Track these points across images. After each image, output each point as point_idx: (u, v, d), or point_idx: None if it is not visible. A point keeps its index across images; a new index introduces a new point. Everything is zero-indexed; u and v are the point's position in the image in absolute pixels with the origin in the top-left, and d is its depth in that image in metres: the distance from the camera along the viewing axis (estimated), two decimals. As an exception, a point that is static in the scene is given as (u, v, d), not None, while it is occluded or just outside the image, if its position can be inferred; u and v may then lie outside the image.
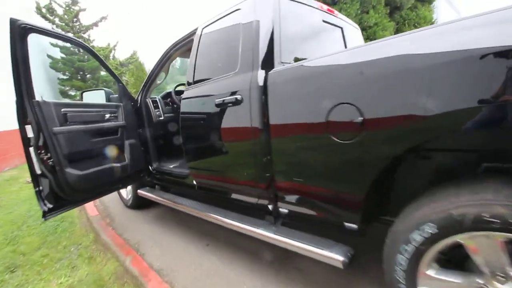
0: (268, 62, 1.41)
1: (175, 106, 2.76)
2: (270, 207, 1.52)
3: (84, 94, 2.47)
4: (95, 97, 2.45)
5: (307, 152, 1.22)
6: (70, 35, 11.45)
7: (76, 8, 11.58)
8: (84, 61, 11.45)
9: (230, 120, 1.56)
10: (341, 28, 2.07)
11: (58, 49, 11.13)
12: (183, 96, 1.94)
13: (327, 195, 1.22)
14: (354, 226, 1.21)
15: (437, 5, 9.74)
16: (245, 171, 1.55)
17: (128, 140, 2.36)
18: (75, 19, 11.54)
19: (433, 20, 8.56)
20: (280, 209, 1.48)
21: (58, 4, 11.31)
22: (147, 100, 2.63)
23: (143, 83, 2.60)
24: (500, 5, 0.76)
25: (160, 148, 2.77)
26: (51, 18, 11.01)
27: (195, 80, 1.88)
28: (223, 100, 1.56)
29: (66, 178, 1.83)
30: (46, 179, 1.80)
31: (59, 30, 11.22)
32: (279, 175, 1.38)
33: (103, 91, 2.43)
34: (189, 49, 2.32)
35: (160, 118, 2.65)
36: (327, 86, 1.08)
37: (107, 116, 2.21)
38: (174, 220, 2.63)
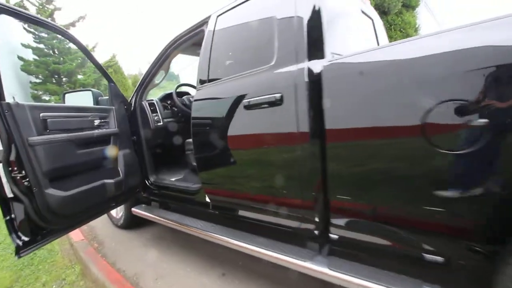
0: (316, 52, 1.12)
1: (175, 109, 2.40)
2: (316, 232, 1.22)
3: (67, 95, 2.06)
4: (80, 99, 2.05)
5: (386, 163, 0.94)
6: (44, 34, 10.65)
7: (51, 7, 10.80)
8: (59, 63, 10.66)
9: (264, 124, 1.25)
10: (372, 19, 1.83)
11: (30, 50, 10.30)
12: (195, 97, 1.60)
13: (418, 221, 0.93)
14: (439, 258, 0.94)
15: (419, 11, 10.06)
16: (284, 187, 1.24)
17: (122, 150, 1.98)
18: (49, 19, 10.74)
19: (416, 26, 8.75)
20: (332, 235, 1.18)
21: (31, 2, 10.50)
22: (143, 103, 2.26)
23: (138, 84, 2.22)
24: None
25: (158, 159, 2.39)
26: (22, 17, 10.17)
27: (210, 77, 1.55)
28: (255, 101, 1.25)
29: (47, 202, 1.43)
30: (20, 204, 1.39)
31: (31, 30, 10.39)
32: (336, 193, 1.09)
33: (90, 92, 2.04)
34: (195, 44, 2.00)
35: (159, 124, 2.28)
36: (430, 78, 0.80)
37: (97, 122, 1.82)
38: (177, 242, 2.25)
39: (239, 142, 1.38)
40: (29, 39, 10.32)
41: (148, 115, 2.23)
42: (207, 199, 1.73)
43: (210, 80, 1.55)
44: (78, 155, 1.61)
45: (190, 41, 1.90)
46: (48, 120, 1.49)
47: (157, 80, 2.23)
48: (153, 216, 2.11)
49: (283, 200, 1.28)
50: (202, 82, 1.60)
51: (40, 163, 1.40)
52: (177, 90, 2.48)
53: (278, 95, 1.16)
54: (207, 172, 1.63)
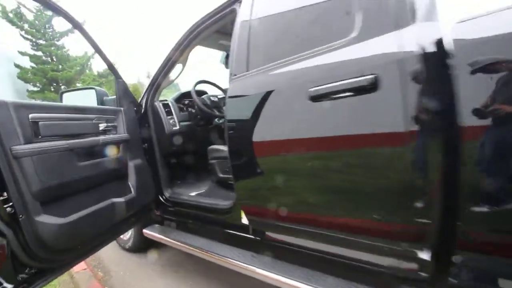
0: (428, 12, 0.76)
1: (192, 111, 2.04)
2: (424, 274, 0.85)
3: (65, 95, 1.71)
4: (82, 100, 1.70)
5: None
6: (42, 42, 10.38)
7: (49, 13, 10.54)
8: (58, 70, 10.35)
9: (343, 120, 0.89)
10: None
11: (27, 57, 10.00)
12: (230, 92, 1.24)
13: None
14: None
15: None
16: (379, 208, 0.87)
17: (133, 160, 1.61)
18: (47, 25, 10.48)
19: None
20: (452, 280, 0.80)
21: (28, 9, 10.25)
22: (155, 103, 1.90)
23: (149, 82, 1.87)
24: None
25: (174, 170, 2.02)
26: (19, 23, 9.89)
27: (251, 65, 1.20)
28: (327, 89, 0.89)
29: (38, 233, 1.05)
30: (1, 238, 1.01)
31: (28, 37, 10.11)
32: (472, 218, 0.72)
33: (93, 91, 1.68)
34: (218, 32, 1.66)
35: (174, 128, 1.92)
36: None
37: (102, 126, 1.46)
38: (200, 271, 1.86)
39: (300, 145, 1.01)
40: (26, 46, 10.04)
41: (162, 118, 1.87)
42: (245, 221, 1.35)
43: (251, 69, 1.20)
44: (80, 168, 1.24)
45: (215, 26, 1.55)
46: (41, 123, 1.12)
47: (172, 76, 1.87)
48: (170, 240, 1.73)
49: (370, 226, 0.91)
50: (235, 74, 1.24)
51: (28, 180, 1.03)
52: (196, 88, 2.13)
53: (370, 78, 0.81)
54: (249, 186, 1.27)
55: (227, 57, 2.27)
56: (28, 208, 1.02)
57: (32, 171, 1.04)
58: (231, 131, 1.23)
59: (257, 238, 1.34)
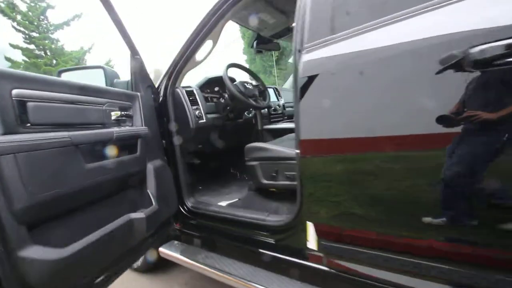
0: None
1: (221, 101, 1.66)
2: None
3: (64, 75, 1.32)
4: (87, 81, 1.31)
5: None
6: (35, 34, 9.86)
7: (43, 4, 10.03)
8: (52, 65, 9.85)
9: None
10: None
11: (19, 51, 9.48)
12: (304, 69, 0.87)
13: None
14: None
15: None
16: None
17: (153, 162, 1.24)
18: (41, 17, 9.97)
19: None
20: None
21: (22, 0, 9.72)
22: (177, 90, 1.52)
23: (170, 63, 1.49)
24: None
25: (198, 172, 1.65)
26: (11, 14, 9.37)
27: (340, 25, 0.83)
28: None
29: (23, 276, 0.67)
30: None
31: (21, 29, 9.59)
32: None
33: (101, 71, 1.31)
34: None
35: (201, 121, 1.54)
36: None
37: (114, 115, 1.08)
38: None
39: (438, 140, 0.65)
40: (18, 39, 9.52)
41: (187, 109, 1.49)
42: (312, 245, 0.99)
43: (339, 30, 0.83)
44: (88, 173, 0.86)
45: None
46: (30, 104, 0.74)
47: (199, 56, 1.50)
48: (197, 264, 1.35)
49: None
50: (315, 38, 0.88)
51: (9, 193, 0.65)
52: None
53: None
54: (328, 197, 0.90)
55: (258, 38, 1.91)
56: (8, 238, 0.64)
57: (16, 177, 0.66)
58: (307, 121, 0.86)
59: (332, 270, 0.98)
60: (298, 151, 0.91)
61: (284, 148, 1.25)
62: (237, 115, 1.72)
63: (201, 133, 1.54)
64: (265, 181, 1.33)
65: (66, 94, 0.86)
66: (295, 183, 1.13)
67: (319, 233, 0.95)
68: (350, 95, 0.78)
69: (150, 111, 1.35)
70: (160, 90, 1.51)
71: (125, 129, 1.07)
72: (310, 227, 0.97)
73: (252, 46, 2.03)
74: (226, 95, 1.60)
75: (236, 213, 1.31)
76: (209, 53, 1.50)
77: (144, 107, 1.26)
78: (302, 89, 0.87)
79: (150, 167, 1.22)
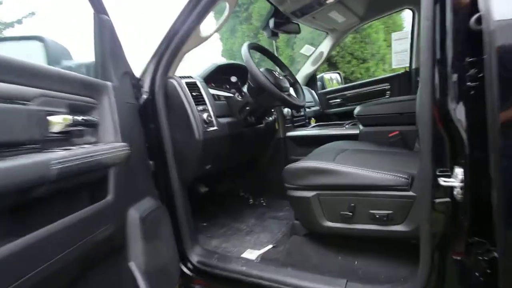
0: None
1: (238, 98, 1.09)
2: None
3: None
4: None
5: None
6: (-22, 32, 8.49)
7: (-11, -2, 8.70)
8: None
9: None
10: None
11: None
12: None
13: None
14: None
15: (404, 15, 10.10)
16: None
17: (138, 204, 0.68)
18: (-14, 13, 8.63)
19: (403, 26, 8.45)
20: None
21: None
22: (172, 82, 0.96)
23: (161, 42, 0.93)
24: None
25: (201, 203, 1.10)
26: None
27: None
28: None
29: None
30: None
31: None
32: None
33: (39, 43, 0.72)
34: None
35: (212, 129, 0.98)
36: None
37: (57, 123, 0.51)
38: None
39: None
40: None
41: (190, 110, 0.93)
42: None
43: None
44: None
45: None
46: None
47: (205, 30, 0.96)
48: None
49: None
50: None
51: None
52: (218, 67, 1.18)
53: None
54: None
55: (275, 15, 1.41)
56: None
57: None
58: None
59: None
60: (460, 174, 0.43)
61: (368, 170, 0.75)
62: (259, 119, 1.19)
63: (211, 147, 0.99)
64: (329, 224, 0.82)
65: None
66: (397, 228, 0.65)
67: None
68: None
69: (130, 114, 0.79)
70: (143, 81, 0.95)
71: (81, 152, 0.51)
72: None
73: (264, 28, 1.52)
74: (245, 90, 1.07)
75: (283, 279, 0.78)
76: (224, 21, 0.96)
77: (120, 107, 0.70)
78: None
79: (133, 217, 0.66)
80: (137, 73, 0.97)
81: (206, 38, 0.99)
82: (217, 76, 1.22)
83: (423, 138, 0.56)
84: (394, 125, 1.13)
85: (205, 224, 1.26)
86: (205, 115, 0.97)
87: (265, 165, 1.47)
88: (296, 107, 1.03)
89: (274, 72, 1.08)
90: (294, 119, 1.50)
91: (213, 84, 1.22)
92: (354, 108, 2.02)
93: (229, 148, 1.11)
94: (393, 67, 1.93)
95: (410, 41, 1.78)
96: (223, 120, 1.06)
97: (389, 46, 6.27)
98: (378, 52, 6.16)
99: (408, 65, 1.85)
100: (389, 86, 1.92)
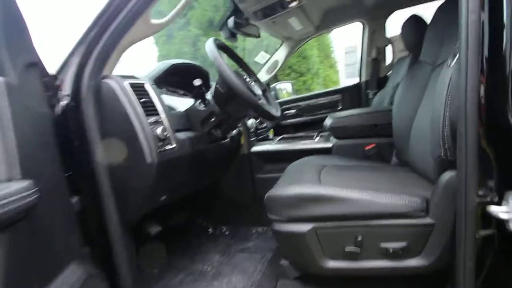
0: None
1: (201, 107, 0.83)
2: None
3: None
4: None
5: None
6: None
7: None
8: None
9: None
10: None
11: None
12: None
13: None
14: None
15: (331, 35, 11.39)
16: None
17: (56, 281, 0.39)
18: None
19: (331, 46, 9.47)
20: None
21: None
22: (110, 84, 0.68)
23: (87, 28, 0.65)
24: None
25: (151, 243, 0.83)
26: None
27: None
28: None
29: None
30: None
31: None
32: None
33: None
34: None
35: (169, 148, 0.72)
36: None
37: None
38: None
39: None
40: None
41: (136, 123, 0.67)
42: None
43: None
44: None
45: None
46: None
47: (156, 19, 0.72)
48: None
49: None
50: None
51: None
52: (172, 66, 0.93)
53: None
54: None
55: (236, 14, 1.24)
56: None
57: None
58: None
59: None
60: None
61: (375, 194, 0.62)
62: (224, 132, 0.97)
63: (168, 172, 0.73)
64: (330, 263, 0.66)
65: None
66: (413, 262, 0.55)
67: None
68: None
69: (39, 128, 0.50)
70: (62, 80, 0.65)
71: None
72: None
73: (221, 28, 1.33)
74: (209, 96, 0.85)
75: None
76: (184, 5, 0.73)
77: (18, 117, 0.41)
78: None
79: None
80: (53, 68, 0.66)
81: (158, 28, 0.74)
82: (172, 79, 0.96)
83: (462, 155, 0.46)
84: (369, 138, 1.07)
85: (156, 270, 0.96)
86: (159, 130, 0.71)
87: (227, 186, 1.25)
88: (273, 119, 0.86)
89: (245, 77, 0.90)
90: (258, 131, 1.34)
91: (167, 88, 0.96)
92: (309, 119, 2.04)
93: (190, 171, 0.86)
94: (345, 79, 1.97)
95: (360, 54, 1.84)
96: (182, 135, 0.81)
97: (322, 62, 6.83)
98: (313, 67, 6.63)
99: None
100: (340, 98, 1.95)
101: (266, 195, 0.75)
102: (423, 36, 1.42)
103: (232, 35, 1.32)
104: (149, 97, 0.75)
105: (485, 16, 0.42)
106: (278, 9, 1.28)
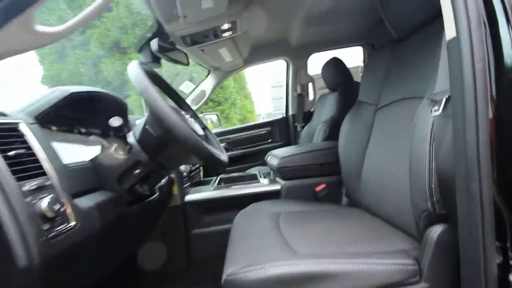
0: None
1: (119, 154, 0.57)
2: None
3: None
4: None
5: None
6: None
7: None
8: None
9: None
10: None
11: None
12: None
13: None
14: None
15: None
16: None
17: None
18: None
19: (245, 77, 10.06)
20: None
21: None
22: None
23: None
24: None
25: None
26: None
27: None
28: None
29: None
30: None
31: None
32: None
33: None
34: None
35: (62, 230, 0.43)
36: None
37: None
38: None
39: None
40: None
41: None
42: None
43: None
44: None
45: None
46: None
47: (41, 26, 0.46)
48: None
49: None
50: None
51: None
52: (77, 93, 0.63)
53: None
54: None
55: (159, 35, 1.04)
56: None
57: None
58: None
59: None
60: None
61: (358, 260, 0.51)
62: (152, 186, 0.70)
63: (61, 271, 0.43)
64: None
65: None
66: None
67: None
68: None
69: None
70: None
71: None
72: None
73: (139, 51, 1.09)
74: (131, 139, 0.59)
75: None
76: (98, 9, 0.49)
77: None
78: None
79: None
80: None
81: (46, 38, 0.47)
82: (66, 113, 0.65)
83: (477, 219, 0.39)
84: (318, 177, 1.00)
85: None
86: (43, 203, 0.42)
87: (150, 252, 0.94)
88: (222, 164, 0.68)
89: (181, 113, 0.69)
90: (191, 174, 1.11)
91: (59, 128, 0.64)
92: (241, 152, 1.92)
93: (98, 256, 0.56)
94: (273, 112, 1.97)
95: (285, 89, 1.88)
96: (85, 201, 0.52)
97: (237, 92, 7.05)
98: (230, 96, 6.74)
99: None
100: (270, 130, 1.93)
101: (223, 279, 0.54)
102: (342, 76, 1.58)
103: (155, 60, 1.09)
104: (26, 146, 0.45)
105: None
106: (211, 37, 1.15)
